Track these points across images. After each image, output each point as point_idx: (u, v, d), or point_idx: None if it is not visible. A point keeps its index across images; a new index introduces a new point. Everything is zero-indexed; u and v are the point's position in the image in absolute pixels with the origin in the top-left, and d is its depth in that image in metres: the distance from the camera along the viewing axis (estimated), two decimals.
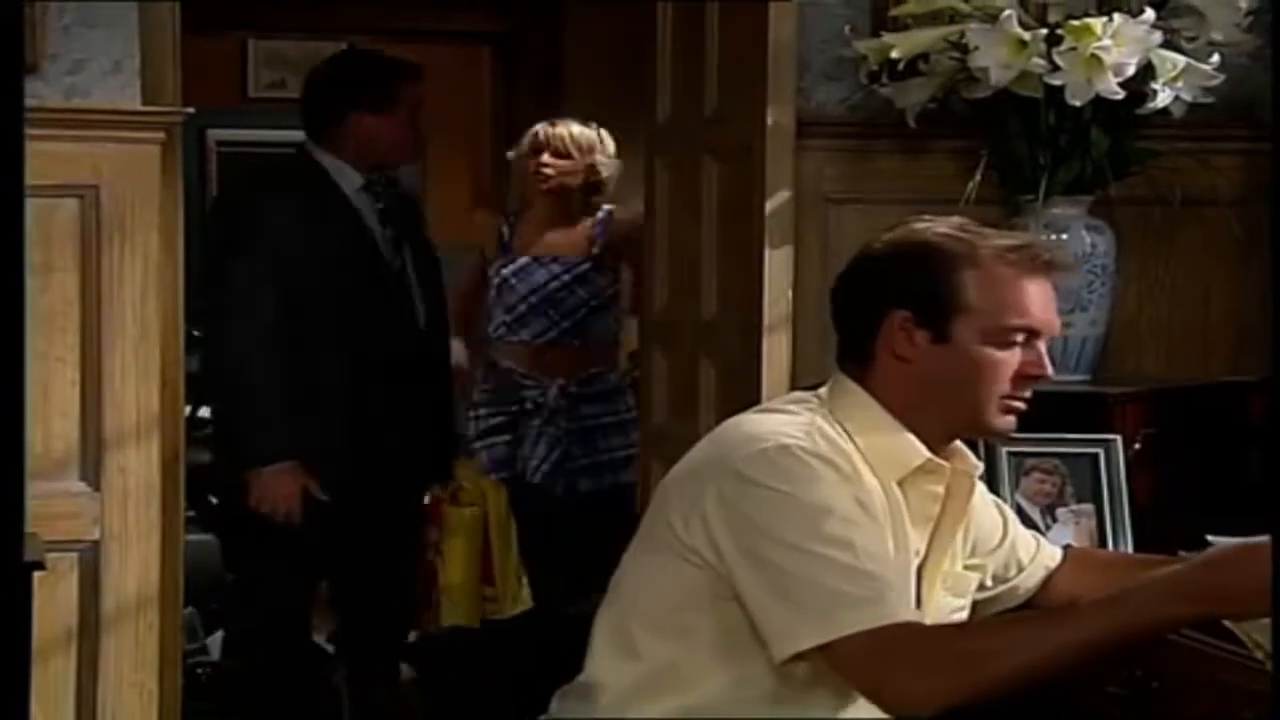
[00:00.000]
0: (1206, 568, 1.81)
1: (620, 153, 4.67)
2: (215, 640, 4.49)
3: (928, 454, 1.98)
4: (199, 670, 4.26)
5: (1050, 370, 2.02)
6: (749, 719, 1.88)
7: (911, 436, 1.98)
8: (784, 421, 1.96)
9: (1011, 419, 2.01)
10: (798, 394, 2.10)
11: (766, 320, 3.14)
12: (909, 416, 1.98)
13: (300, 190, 3.79)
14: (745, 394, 3.17)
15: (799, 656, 1.82)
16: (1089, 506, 2.61)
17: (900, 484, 1.97)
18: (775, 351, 3.14)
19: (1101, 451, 2.64)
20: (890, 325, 1.98)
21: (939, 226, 2.02)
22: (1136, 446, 2.78)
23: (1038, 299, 1.98)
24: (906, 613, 1.85)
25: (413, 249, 3.94)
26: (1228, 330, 3.36)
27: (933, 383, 1.97)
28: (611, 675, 1.94)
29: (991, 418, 1.99)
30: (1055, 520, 2.60)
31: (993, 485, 2.48)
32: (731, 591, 1.87)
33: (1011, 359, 1.98)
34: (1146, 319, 3.33)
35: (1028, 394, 2.02)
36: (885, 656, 1.79)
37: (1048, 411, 2.57)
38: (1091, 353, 3.04)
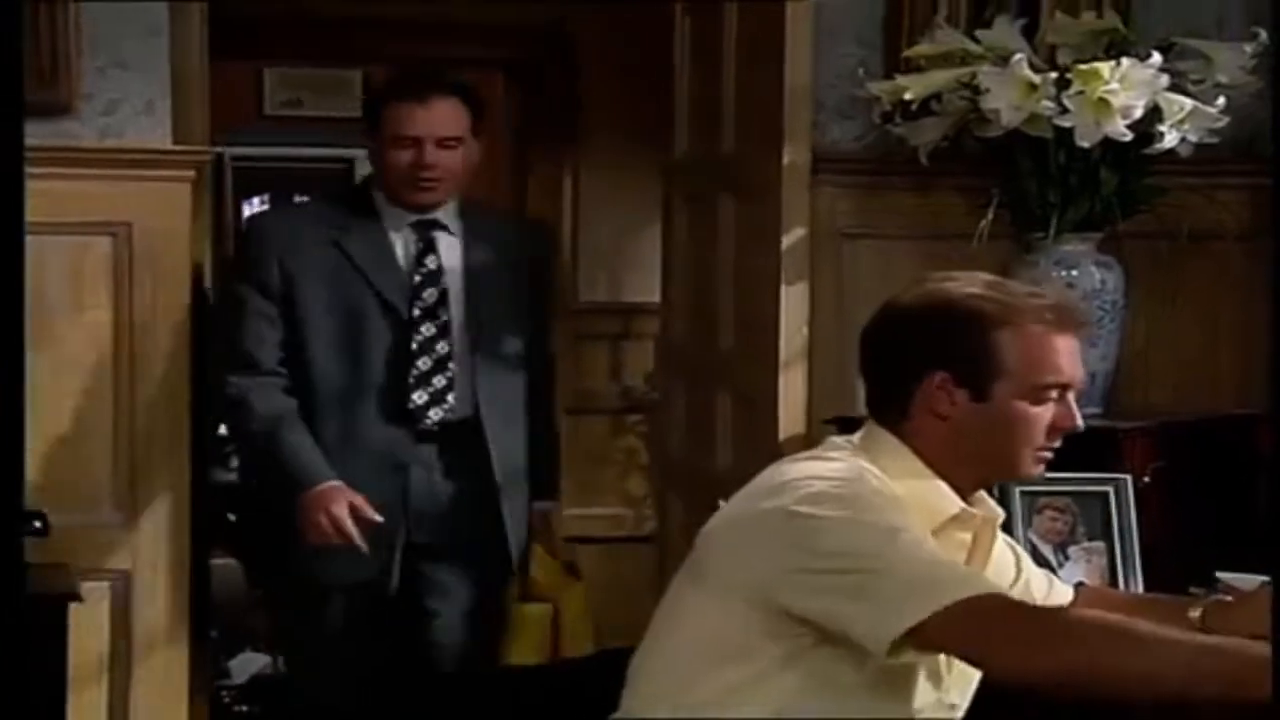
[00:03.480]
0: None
1: (638, 183, 4.75)
2: (237, 663, 4.57)
3: (961, 504, 2.04)
4: (223, 693, 4.33)
5: (1080, 422, 2.08)
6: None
7: (946, 487, 2.04)
8: (828, 466, 2.01)
9: (1042, 467, 2.09)
10: (834, 440, 2.16)
11: (783, 354, 3.20)
12: (944, 468, 2.04)
13: None
14: (763, 427, 3.25)
15: (897, 645, 1.84)
16: (1100, 544, 2.68)
17: (933, 533, 2.03)
18: (792, 385, 3.21)
19: (1111, 490, 2.71)
20: (930, 385, 2.03)
21: (969, 286, 2.06)
22: (1146, 480, 2.84)
23: (1069, 355, 2.05)
24: (995, 587, 1.90)
25: None
26: (1235, 362, 3.41)
27: (971, 438, 2.03)
28: (659, 700, 1.99)
29: (1026, 468, 2.07)
30: (1067, 558, 2.67)
31: (1007, 523, 2.53)
32: (786, 629, 1.91)
33: (1046, 414, 2.04)
34: (1155, 352, 3.39)
35: (1058, 444, 2.08)
36: (995, 620, 1.83)
37: (1057, 449, 2.64)
38: (1102, 386, 3.10)
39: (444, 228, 3.17)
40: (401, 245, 3.15)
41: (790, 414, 3.21)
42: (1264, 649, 1.79)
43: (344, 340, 3.10)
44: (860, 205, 3.37)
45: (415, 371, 3.11)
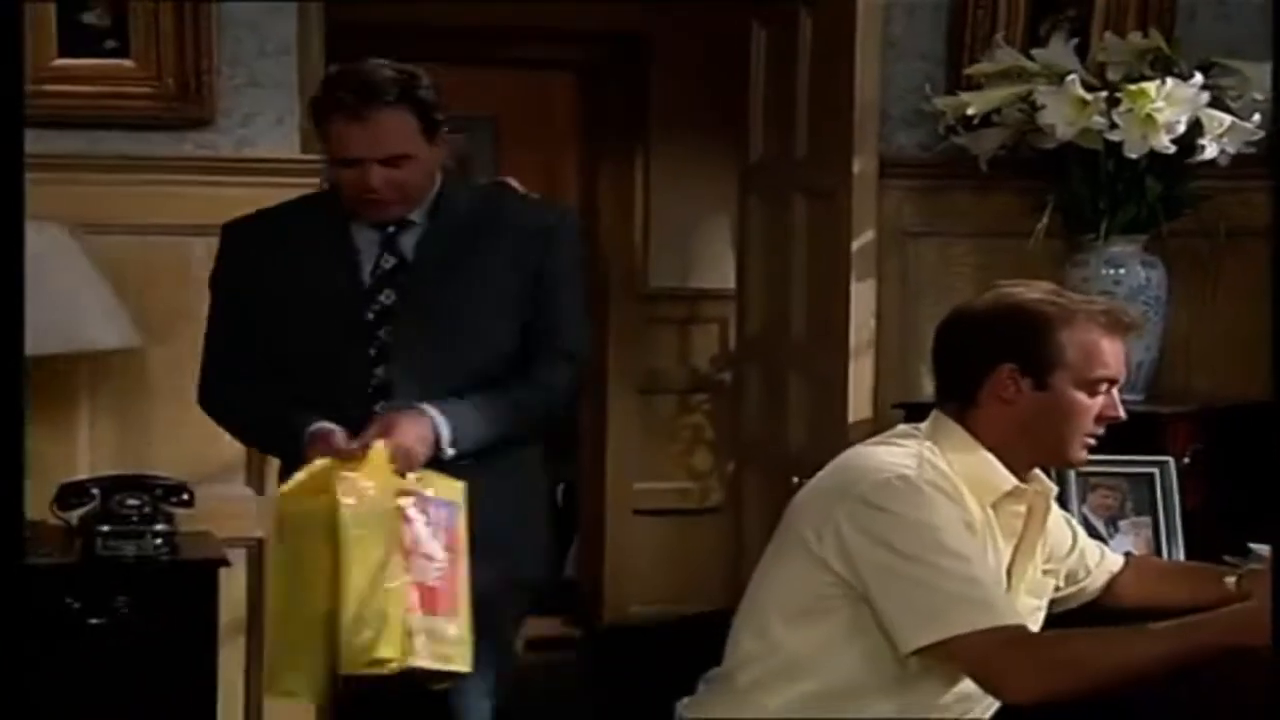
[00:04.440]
0: (1260, 611, 2.19)
1: (705, 176, 5.04)
2: None
3: (1015, 481, 2.36)
4: None
5: (1123, 414, 2.40)
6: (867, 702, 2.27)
7: (1001, 467, 2.36)
8: (899, 454, 2.33)
9: (1086, 453, 2.40)
10: (903, 428, 2.47)
11: (853, 344, 3.52)
12: (1002, 450, 2.35)
13: None
14: (833, 410, 3.56)
15: (919, 650, 2.21)
16: (1146, 518, 3.01)
17: (992, 506, 2.35)
18: (861, 372, 3.53)
19: (1156, 471, 3.04)
20: (1000, 375, 2.34)
21: (1033, 293, 2.39)
22: (1186, 460, 3.15)
23: (1116, 355, 2.37)
24: (1013, 617, 2.23)
25: None
26: (1269, 352, 3.68)
27: (1032, 422, 2.35)
28: (751, 661, 2.33)
29: (1075, 452, 2.39)
30: (1117, 530, 2.99)
31: (1064, 500, 2.85)
32: (856, 593, 2.26)
33: (1095, 404, 2.36)
34: (1195, 343, 3.67)
35: (1102, 431, 2.40)
36: (998, 654, 2.17)
37: (1109, 428, 2.95)
38: (1147, 374, 3.40)
39: (411, 223, 2.85)
40: (365, 245, 2.85)
41: (859, 399, 3.53)
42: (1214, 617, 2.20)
43: (314, 353, 2.83)
44: (924, 207, 3.66)
45: (374, 380, 2.81)
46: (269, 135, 3.54)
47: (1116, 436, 2.97)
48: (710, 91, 5.27)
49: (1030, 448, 2.37)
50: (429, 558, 2.60)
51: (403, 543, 2.55)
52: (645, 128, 5.62)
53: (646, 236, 5.67)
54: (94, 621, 3.20)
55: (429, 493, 2.63)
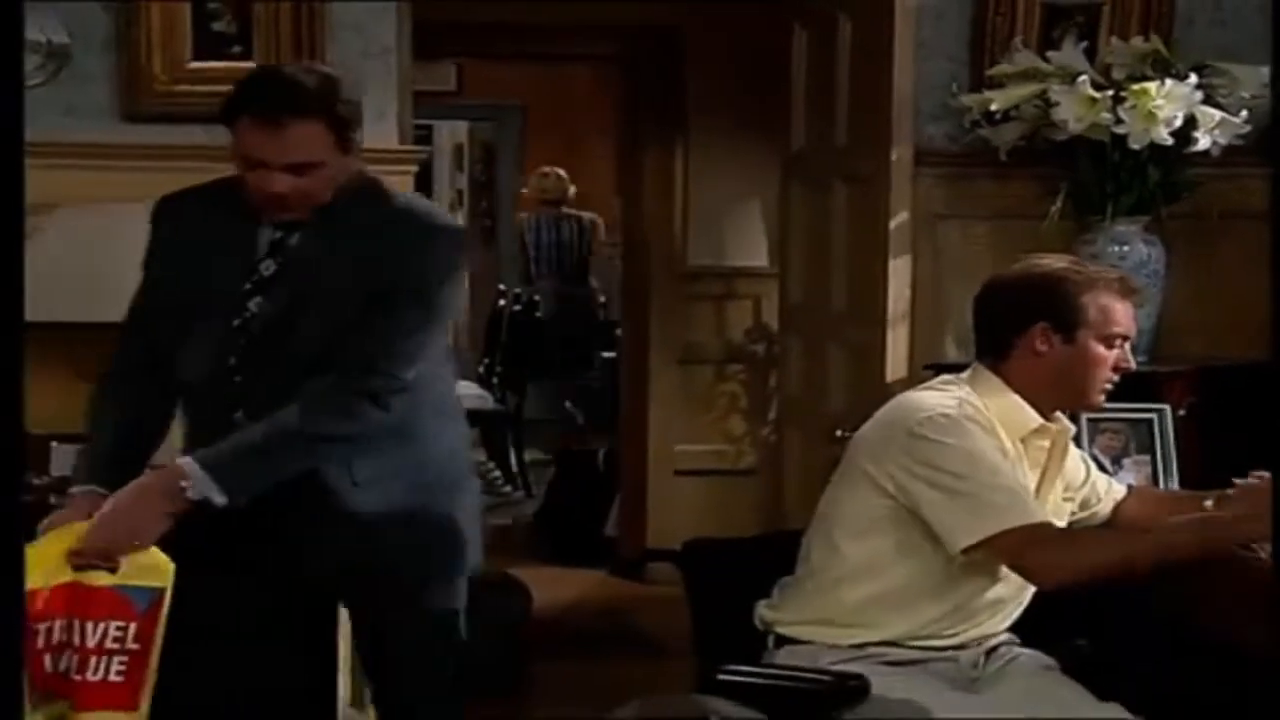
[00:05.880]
0: (1241, 516, 2.67)
1: (741, 161, 5.48)
2: None
3: (1040, 420, 2.83)
4: None
5: (1133, 363, 2.87)
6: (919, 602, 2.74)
7: (1029, 408, 2.82)
8: (943, 396, 2.80)
9: (1104, 397, 2.87)
10: (947, 376, 2.94)
11: (890, 314, 3.96)
12: (1031, 395, 2.82)
13: None
14: (872, 373, 4.01)
15: (965, 551, 2.67)
16: (1146, 458, 3.48)
17: (1021, 441, 2.82)
18: (897, 339, 3.97)
19: (1156, 417, 3.50)
20: (1034, 332, 2.81)
21: (1059, 263, 2.87)
22: (1182, 412, 3.60)
23: (1128, 314, 2.85)
24: (1043, 516, 2.70)
25: None
26: (1257, 319, 4.09)
27: (1060, 370, 2.82)
28: (820, 568, 2.80)
29: (1095, 396, 2.86)
30: (1121, 467, 3.45)
31: (1076, 441, 3.28)
32: (904, 515, 2.72)
33: (1111, 355, 2.83)
34: (1191, 311, 4.07)
35: (1117, 378, 2.87)
36: (1032, 545, 2.64)
37: (1118, 384, 3.41)
38: (1148, 339, 3.83)
39: (301, 224, 2.81)
40: (261, 245, 2.82)
41: (895, 362, 3.97)
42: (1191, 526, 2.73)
43: (191, 355, 2.82)
44: (951, 192, 4.07)
45: (233, 390, 2.80)
46: (372, 129, 3.86)
47: (1122, 392, 3.42)
48: (743, 84, 5.68)
49: (1057, 393, 2.84)
50: (104, 652, 2.55)
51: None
52: (684, 118, 6.00)
53: (686, 219, 6.07)
54: None
55: (107, 583, 2.56)
